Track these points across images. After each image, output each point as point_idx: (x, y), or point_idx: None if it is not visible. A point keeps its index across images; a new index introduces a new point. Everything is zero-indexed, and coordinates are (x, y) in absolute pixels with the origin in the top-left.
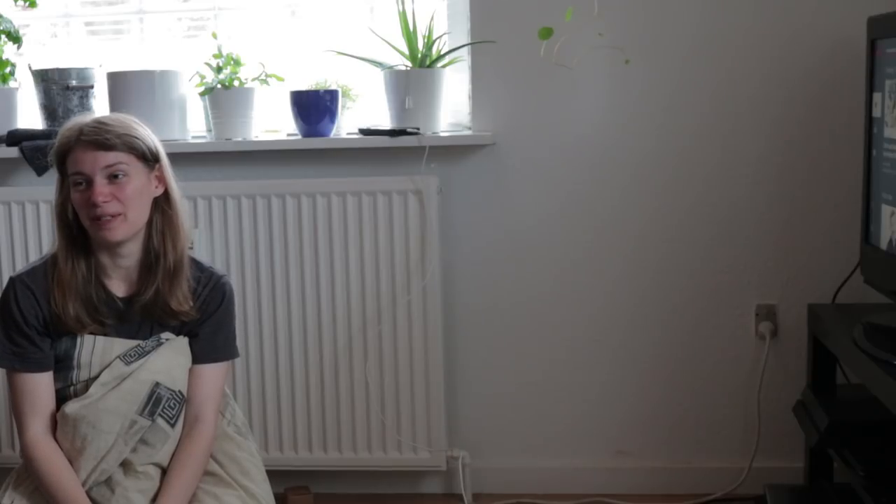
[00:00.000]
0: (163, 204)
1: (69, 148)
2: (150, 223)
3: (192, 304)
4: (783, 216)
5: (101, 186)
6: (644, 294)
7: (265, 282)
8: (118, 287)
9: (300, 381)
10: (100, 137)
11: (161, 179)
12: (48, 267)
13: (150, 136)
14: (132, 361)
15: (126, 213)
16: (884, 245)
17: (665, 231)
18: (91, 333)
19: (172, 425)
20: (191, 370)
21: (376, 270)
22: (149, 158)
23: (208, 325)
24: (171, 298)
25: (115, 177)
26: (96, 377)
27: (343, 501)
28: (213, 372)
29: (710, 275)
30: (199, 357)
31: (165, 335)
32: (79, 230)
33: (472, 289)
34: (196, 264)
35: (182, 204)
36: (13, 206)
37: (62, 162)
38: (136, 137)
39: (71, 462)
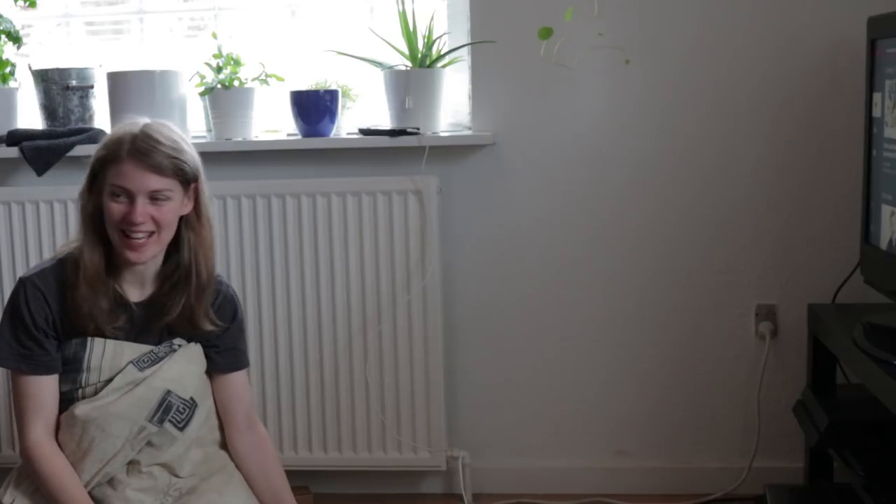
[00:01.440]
0: (194, 221)
1: (117, 158)
2: (180, 239)
3: (218, 322)
4: (783, 216)
5: (143, 207)
6: (644, 294)
7: (265, 282)
8: (131, 291)
9: (300, 381)
10: (152, 160)
11: (191, 197)
12: (65, 266)
13: (195, 157)
14: (145, 367)
15: (159, 233)
16: (884, 245)
17: (665, 231)
18: (102, 336)
19: (181, 429)
20: (222, 381)
21: (376, 270)
22: (189, 181)
23: (228, 336)
24: (197, 316)
25: (157, 199)
26: (107, 381)
27: (343, 501)
28: (243, 377)
29: (710, 275)
30: (227, 367)
31: (178, 341)
32: (102, 232)
33: (471, 288)
34: None
35: (212, 218)
36: (13, 206)
37: (102, 165)
38: (185, 163)
39: (74, 464)
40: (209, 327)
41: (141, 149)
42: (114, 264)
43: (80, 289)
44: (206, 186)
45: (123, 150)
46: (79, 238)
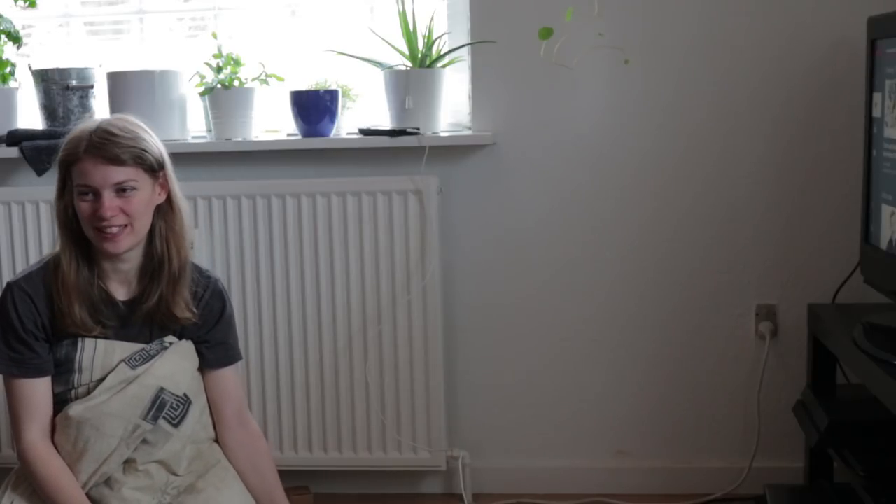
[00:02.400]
0: (165, 209)
1: (76, 158)
2: (151, 228)
3: (194, 310)
4: (783, 216)
5: (110, 201)
6: (644, 294)
7: (265, 282)
8: (118, 290)
9: (300, 381)
10: (109, 152)
11: (164, 186)
12: (49, 270)
13: (157, 144)
14: (137, 365)
15: (132, 224)
16: (884, 245)
17: (665, 231)
18: (92, 336)
19: (175, 426)
20: (212, 377)
21: (376, 270)
22: (156, 169)
23: (218, 331)
24: (174, 304)
25: (123, 190)
26: (99, 380)
27: (343, 501)
28: (234, 373)
29: (710, 275)
30: (217, 363)
31: (169, 339)
32: (80, 233)
33: (472, 288)
34: (194, 267)
35: (184, 208)
36: (13, 206)
37: (66, 168)
38: (145, 150)
39: (70, 465)
40: (186, 314)
41: (97, 143)
42: (98, 264)
43: (60, 295)
44: (174, 174)
45: (81, 149)
46: (54, 247)
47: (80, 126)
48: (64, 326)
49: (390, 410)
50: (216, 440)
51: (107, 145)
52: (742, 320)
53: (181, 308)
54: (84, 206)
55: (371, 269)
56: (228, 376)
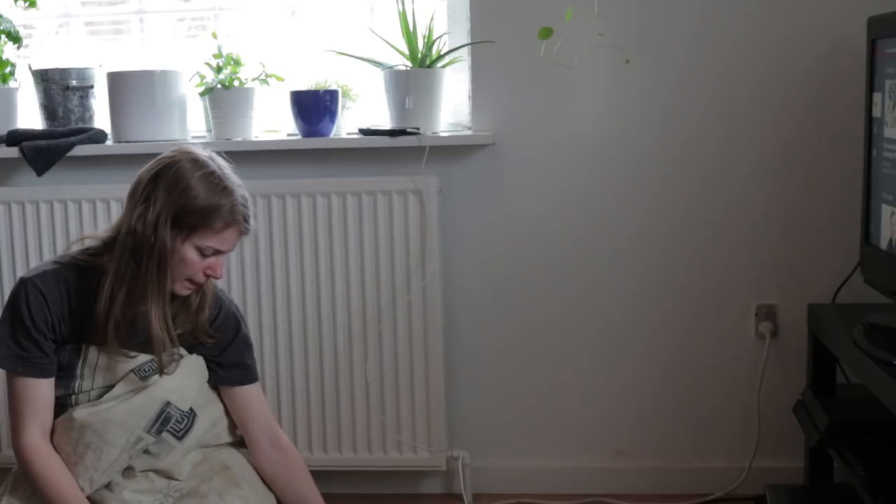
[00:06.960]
0: None
1: (219, 224)
2: None
3: (210, 332)
4: (783, 216)
5: (220, 263)
6: (644, 294)
7: (265, 282)
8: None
9: (300, 381)
10: (251, 226)
11: None
12: (65, 271)
13: None
14: (147, 376)
15: None
16: (884, 245)
17: (665, 230)
18: (98, 344)
19: (179, 439)
20: (231, 396)
21: (376, 270)
22: None
23: (231, 352)
24: (197, 331)
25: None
26: (101, 387)
27: (343, 501)
28: (255, 392)
29: (710, 275)
30: (232, 381)
31: (178, 351)
32: (132, 258)
33: (472, 288)
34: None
35: None
36: (13, 206)
37: (204, 218)
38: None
39: (69, 468)
40: (204, 338)
41: (246, 217)
42: (142, 295)
43: (101, 303)
44: None
45: (231, 218)
46: (113, 259)
47: (235, 188)
48: (75, 330)
49: (390, 410)
50: (238, 443)
51: (250, 219)
52: (742, 320)
53: (202, 333)
54: (195, 260)
55: (371, 269)
56: (250, 395)
